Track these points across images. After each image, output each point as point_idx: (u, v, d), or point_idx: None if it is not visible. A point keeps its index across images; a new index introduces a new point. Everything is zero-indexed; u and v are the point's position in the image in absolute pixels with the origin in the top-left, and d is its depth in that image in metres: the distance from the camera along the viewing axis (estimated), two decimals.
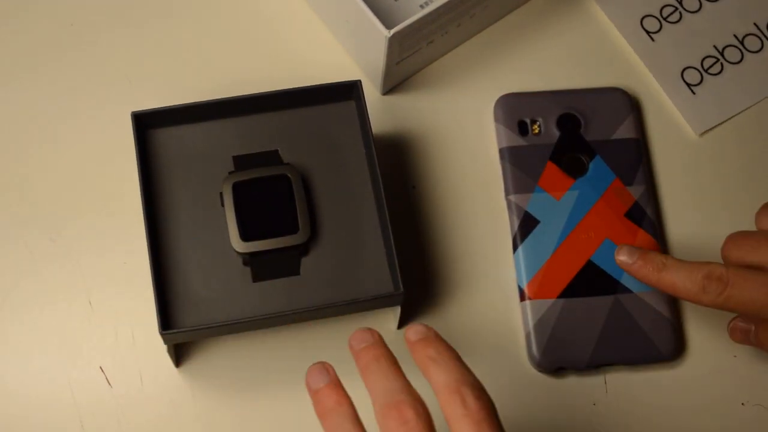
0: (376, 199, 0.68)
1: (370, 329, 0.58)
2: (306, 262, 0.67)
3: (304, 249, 0.67)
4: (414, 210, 0.74)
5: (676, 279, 0.65)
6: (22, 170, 0.74)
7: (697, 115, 0.78)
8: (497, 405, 0.68)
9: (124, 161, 0.71)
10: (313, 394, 0.56)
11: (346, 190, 0.69)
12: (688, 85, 0.79)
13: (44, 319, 0.70)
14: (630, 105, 0.76)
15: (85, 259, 0.71)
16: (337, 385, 0.56)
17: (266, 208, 0.67)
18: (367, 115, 0.68)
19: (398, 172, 0.75)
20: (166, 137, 0.69)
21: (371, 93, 0.76)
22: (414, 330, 0.58)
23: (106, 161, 0.74)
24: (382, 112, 0.76)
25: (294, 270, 0.67)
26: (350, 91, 0.70)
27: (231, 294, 0.66)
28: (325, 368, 0.57)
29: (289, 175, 0.67)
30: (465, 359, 0.69)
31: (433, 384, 0.56)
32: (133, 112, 0.67)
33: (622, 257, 0.68)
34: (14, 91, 0.76)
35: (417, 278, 0.72)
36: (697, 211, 0.75)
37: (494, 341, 0.71)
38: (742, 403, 0.70)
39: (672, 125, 0.77)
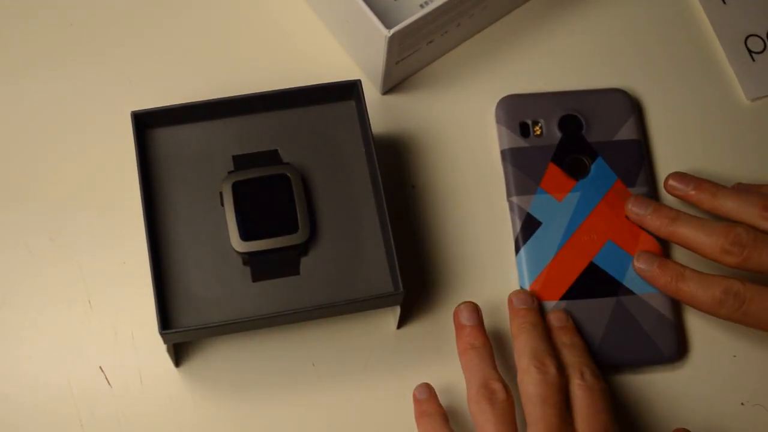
0: (375, 199, 0.68)
1: (531, 294, 0.70)
2: (306, 262, 0.67)
3: (303, 249, 0.67)
4: (414, 210, 0.74)
5: (694, 291, 0.67)
6: (21, 170, 0.74)
7: (752, 80, 0.79)
8: None
9: (124, 161, 0.71)
10: (459, 329, 0.68)
11: (345, 189, 0.69)
12: (750, 51, 0.80)
13: (44, 319, 0.70)
14: (631, 106, 0.76)
15: (85, 258, 0.71)
16: (482, 327, 0.68)
17: (266, 208, 0.67)
18: (367, 114, 0.68)
19: (398, 172, 0.75)
20: (165, 137, 0.69)
21: (371, 93, 0.76)
22: (556, 317, 0.70)
23: (106, 161, 0.74)
24: (382, 112, 0.76)
25: (294, 270, 0.67)
26: (350, 90, 0.70)
27: (231, 294, 0.66)
28: (476, 309, 0.68)
29: (289, 175, 0.67)
30: None
31: (564, 362, 0.67)
32: (132, 112, 0.67)
33: (641, 264, 0.70)
34: (14, 91, 0.76)
35: (417, 279, 0.72)
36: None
37: (496, 343, 0.70)
38: (742, 403, 0.70)
39: (674, 124, 0.77)
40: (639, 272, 0.70)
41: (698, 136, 0.77)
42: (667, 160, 0.76)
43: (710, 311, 0.67)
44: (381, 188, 0.66)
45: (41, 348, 0.69)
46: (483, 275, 0.72)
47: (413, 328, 0.71)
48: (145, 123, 0.69)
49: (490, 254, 0.73)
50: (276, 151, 0.69)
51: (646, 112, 0.78)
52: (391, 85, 0.77)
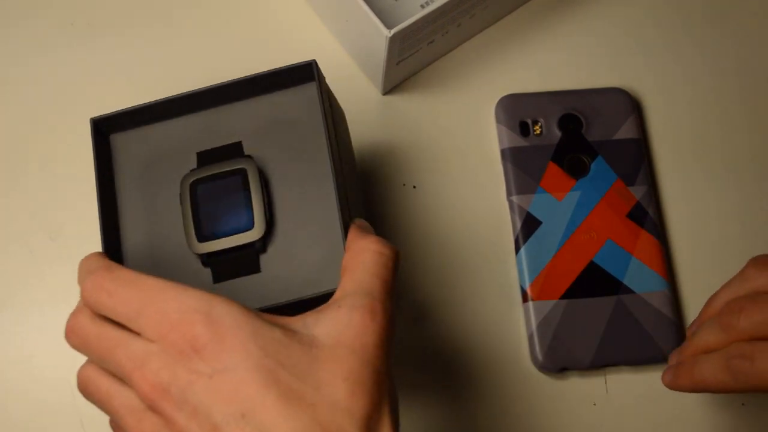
0: (336, 186, 0.63)
1: None
2: (266, 259, 0.64)
3: (262, 245, 0.63)
4: (415, 210, 0.74)
5: (704, 373, 0.60)
6: (22, 169, 0.74)
7: None
8: (497, 405, 0.68)
9: None
10: None
11: (311, 179, 0.65)
12: None
13: (44, 319, 0.70)
14: (631, 105, 0.76)
15: None
16: None
17: (224, 205, 0.64)
18: (325, 96, 0.63)
19: (399, 172, 0.75)
20: (131, 140, 0.67)
21: (372, 93, 0.76)
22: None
23: None
24: (383, 112, 0.76)
25: (254, 268, 0.63)
26: (309, 73, 0.65)
27: None
28: None
29: (246, 168, 0.64)
30: (466, 360, 0.69)
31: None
32: (92, 119, 0.64)
33: (668, 382, 0.63)
34: (14, 90, 0.76)
35: (418, 278, 0.72)
36: (698, 211, 0.75)
37: (496, 343, 0.71)
38: (743, 404, 0.70)
39: (674, 123, 0.77)
40: (671, 387, 0.63)
41: (697, 134, 0.77)
42: (666, 158, 0.76)
43: (724, 386, 0.58)
44: (340, 173, 0.63)
45: (42, 348, 0.69)
46: (483, 274, 0.72)
47: (414, 327, 0.71)
48: (108, 128, 0.66)
49: (490, 253, 0.73)
50: (239, 143, 0.66)
51: (645, 111, 0.78)
52: (392, 86, 0.77)
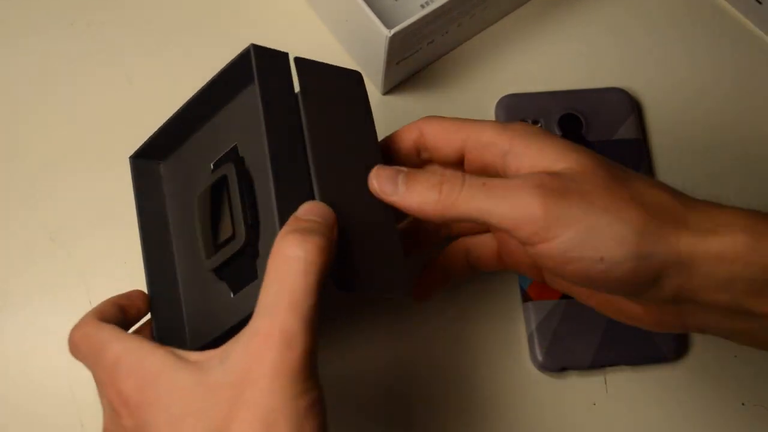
0: (272, 177, 0.55)
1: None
2: (261, 264, 0.59)
3: (252, 251, 0.59)
4: None
5: (408, 198, 0.55)
6: (22, 169, 0.74)
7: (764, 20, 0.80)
8: (497, 404, 0.68)
9: (124, 163, 0.71)
10: None
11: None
12: None
13: (44, 319, 0.70)
14: (631, 105, 0.76)
15: (85, 258, 0.71)
16: None
17: (218, 216, 0.61)
18: (261, 86, 0.57)
19: None
20: (164, 167, 0.66)
21: (372, 93, 0.75)
22: None
23: (107, 161, 0.74)
24: (382, 112, 0.76)
25: (251, 274, 0.60)
26: (249, 62, 0.59)
27: (219, 309, 0.62)
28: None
29: (227, 175, 0.60)
30: (466, 360, 0.69)
31: None
32: (130, 157, 0.64)
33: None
34: (13, 90, 0.76)
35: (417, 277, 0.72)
36: None
37: (496, 342, 0.71)
38: (743, 403, 0.70)
39: (674, 123, 0.77)
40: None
41: (697, 134, 0.77)
42: (666, 158, 0.76)
43: (431, 209, 0.54)
44: (282, 163, 0.56)
45: (42, 349, 0.69)
46: (483, 274, 0.72)
47: (413, 326, 0.71)
48: (147, 157, 0.65)
49: None
50: (235, 147, 0.62)
51: (645, 111, 0.78)
52: (392, 85, 0.77)
